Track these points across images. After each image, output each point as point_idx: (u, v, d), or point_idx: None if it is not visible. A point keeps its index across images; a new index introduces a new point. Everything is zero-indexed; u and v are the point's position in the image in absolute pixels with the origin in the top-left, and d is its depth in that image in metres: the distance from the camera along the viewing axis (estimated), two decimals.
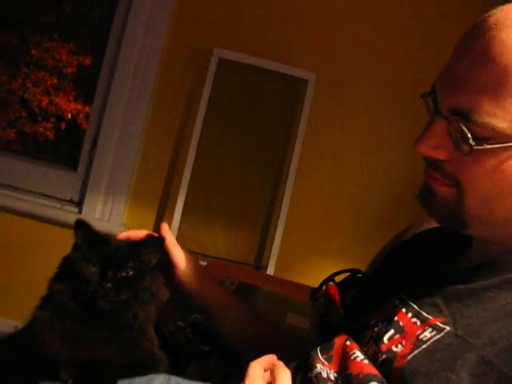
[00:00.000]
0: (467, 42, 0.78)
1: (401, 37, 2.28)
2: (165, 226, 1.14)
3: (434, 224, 1.02)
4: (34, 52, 2.78)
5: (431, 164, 0.82)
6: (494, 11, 0.78)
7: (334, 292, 1.63)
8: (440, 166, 0.81)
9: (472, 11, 0.85)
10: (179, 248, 1.14)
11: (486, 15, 0.78)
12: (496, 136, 0.74)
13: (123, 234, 1.10)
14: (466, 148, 0.76)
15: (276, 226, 2.22)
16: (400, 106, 2.24)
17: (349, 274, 1.74)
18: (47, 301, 1.00)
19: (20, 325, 1.05)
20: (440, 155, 0.80)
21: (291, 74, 2.23)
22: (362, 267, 1.27)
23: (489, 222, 0.81)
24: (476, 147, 0.75)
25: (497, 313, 0.75)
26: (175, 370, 1.04)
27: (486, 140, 0.75)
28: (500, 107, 0.73)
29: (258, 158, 2.31)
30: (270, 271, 2.19)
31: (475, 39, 0.76)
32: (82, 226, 1.02)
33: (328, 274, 1.73)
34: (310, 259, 2.28)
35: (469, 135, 0.75)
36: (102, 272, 0.97)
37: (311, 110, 2.24)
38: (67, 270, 0.99)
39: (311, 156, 2.28)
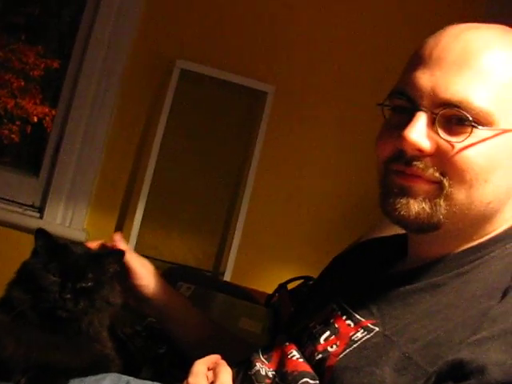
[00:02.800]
0: (440, 44, 0.83)
1: (360, 50, 2.34)
2: (118, 236, 1.18)
3: (382, 234, 1.08)
4: (0, 53, 2.76)
5: (410, 161, 0.83)
6: (452, 25, 0.86)
7: (286, 298, 1.68)
8: (422, 161, 0.82)
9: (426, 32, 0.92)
10: (135, 255, 1.18)
11: (446, 27, 0.86)
12: (486, 122, 0.79)
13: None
14: (458, 135, 0.80)
15: (234, 233, 2.26)
16: (358, 119, 2.30)
17: (302, 281, 1.78)
18: (4, 304, 1.02)
19: None
20: (429, 147, 0.81)
21: (251, 87, 2.28)
22: (316, 275, 1.32)
23: (465, 218, 0.83)
24: (481, 128, 0.79)
25: (420, 314, 0.81)
26: (129, 373, 1.08)
27: (479, 124, 0.79)
28: (488, 94, 0.79)
29: (218, 168, 2.34)
30: (227, 277, 2.23)
31: (452, 40, 0.83)
32: (42, 235, 1.04)
33: (283, 281, 1.77)
34: (267, 266, 2.31)
35: (470, 118, 0.79)
36: (61, 282, 0.98)
37: (270, 122, 2.28)
38: (26, 276, 1.01)
39: (269, 166, 2.32)
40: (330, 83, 2.35)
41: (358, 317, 0.87)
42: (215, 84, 2.30)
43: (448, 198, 0.81)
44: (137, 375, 1.07)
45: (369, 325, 0.85)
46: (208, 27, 2.34)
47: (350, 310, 0.90)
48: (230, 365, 0.92)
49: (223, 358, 0.95)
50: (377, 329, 0.83)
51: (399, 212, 0.83)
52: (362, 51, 2.34)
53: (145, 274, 1.18)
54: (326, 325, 0.90)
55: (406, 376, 0.75)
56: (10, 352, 0.97)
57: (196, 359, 0.93)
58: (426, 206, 0.82)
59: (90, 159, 2.33)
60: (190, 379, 0.87)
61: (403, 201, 0.83)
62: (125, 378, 1.02)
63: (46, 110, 2.71)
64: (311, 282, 1.74)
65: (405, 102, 0.85)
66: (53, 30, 2.79)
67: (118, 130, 2.35)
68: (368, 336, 0.83)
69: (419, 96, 0.83)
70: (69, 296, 0.98)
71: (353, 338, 0.84)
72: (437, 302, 0.82)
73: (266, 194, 2.34)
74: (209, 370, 0.91)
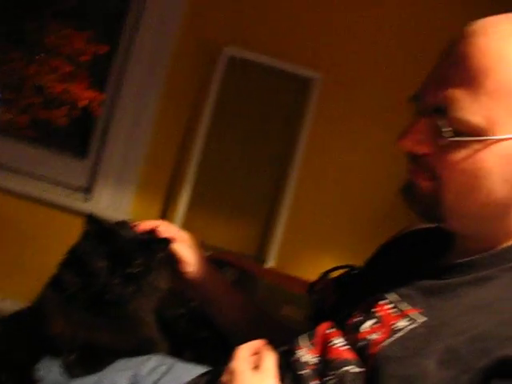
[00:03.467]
0: (450, 46, 0.84)
1: (408, 36, 2.30)
2: (162, 225, 1.18)
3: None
4: (50, 39, 2.80)
5: (413, 159, 0.87)
6: (474, 22, 0.84)
7: (330, 287, 1.67)
8: (421, 160, 0.86)
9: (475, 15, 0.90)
10: (184, 244, 1.19)
11: (466, 26, 0.84)
12: (470, 130, 0.79)
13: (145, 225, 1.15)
14: (442, 141, 0.81)
15: (278, 220, 2.26)
16: (407, 107, 2.27)
17: (346, 270, 1.77)
18: (55, 283, 1.05)
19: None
20: (421, 150, 0.85)
21: (298, 73, 2.27)
22: (360, 264, 1.31)
23: (463, 217, 0.85)
24: (451, 139, 0.80)
25: (466, 307, 0.80)
26: (172, 355, 1.09)
27: (461, 134, 0.80)
28: (475, 103, 0.79)
29: (264, 155, 2.34)
30: (270, 264, 2.24)
31: (456, 44, 0.83)
32: (92, 220, 1.06)
33: (326, 269, 1.76)
34: (310, 254, 2.31)
35: (443, 129, 0.80)
36: (110, 268, 1.01)
37: (317, 109, 2.27)
38: (76, 259, 1.03)
39: (316, 153, 2.31)
40: (378, 70, 2.32)
41: (402, 306, 0.86)
42: (262, 70, 2.29)
43: (441, 196, 0.84)
44: (179, 358, 1.09)
45: (413, 314, 0.83)
46: (256, 13, 2.33)
47: (395, 299, 0.89)
48: (273, 351, 0.92)
49: (266, 343, 0.95)
50: (421, 319, 0.82)
51: (407, 202, 0.90)
52: (411, 37, 2.30)
53: (193, 261, 1.18)
54: (370, 313, 0.90)
55: (450, 369, 0.74)
56: (59, 330, 0.99)
57: (239, 344, 0.93)
58: (425, 201, 0.87)
59: (137, 143, 2.35)
60: (234, 364, 0.87)
61: (409, 193, 0.89)
62: (169, 359, 1.04)
63: (94, 94, 2.75)
64: (355, 272, 1.73)
65: (416, 104, 0.88)
66: (101, 15, 2.82)
67: (164, 115, 2.36)
68: (412, 326, 0.82)
69: (422, 99, 0.86)
70: (117, 281, 1.00)
71: (395, 327, 0.83)
72: (485, 295, 0.80)
73: (312, 181, 2.32)
74: (252, 355, 0.91)
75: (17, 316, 1.06)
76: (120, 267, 1.01)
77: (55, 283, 1.05)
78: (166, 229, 1.17)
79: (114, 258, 1.02)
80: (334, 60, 2.32)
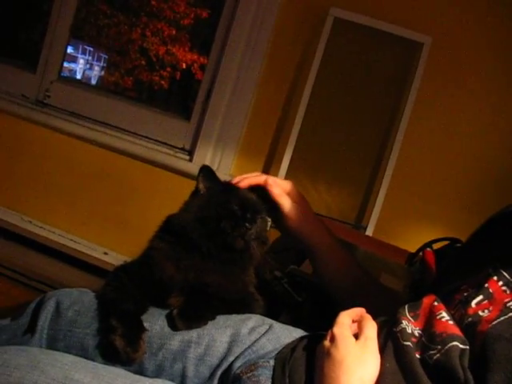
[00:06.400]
0: None
1: None
2: (270, 180, 1.21)
3: None
4: (153, 3, 2.85)
5: None
6: None
7: (431, 259, 1.63)
8: None
9: None
10: (287, 198, 1.20)
11: None
12: None
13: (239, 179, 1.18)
14: None
15: (379, 188, 2.22)
16: None
17: (448, 242, 1.72)
18: (164, 232, 1.10)
19: (129, 259, 1.15)
20: None
21: (406, 37, 2.19)
22: (462, 237, 1.26)
23: None
24: None
25: None
26: (268, 317, 1.10)
27: None
28: None
29: (367, 120, 2.30)
30: (369, 232, 2.21)
31: None
32: (207, 172, 1.12)
33: (426, 241, 1.72)
34: (410, 224, 2.26)
35: None
36: (242, 213, 1.06)
37: (424, 75, 2.19)
38: (196, 208, 1.08)
39: (421, 120, 2.24)
40: (491, 38, 2.20)
41: None
42: (369, 33, 2.23)
43: None
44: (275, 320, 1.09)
45: None
46: None
47: (508, 276, 0.85)
48: (374, 319, 0.91)
49: (367, 311, 0.94)
50: None
51: None
52: None
53: (296, 216, 1.19)
54: (479, 288, 0.86)
55: None
56: (170, 274, 1.04)
57: (338, 308, 0.93)
58: None
59: (239, 107, 2.37)
60: (335, 329, 0.87)
61: None
62: (268, 320, 1.05)
63: (194, 57, 2.79)
64: (458, 245, 1.68)
65: None
66: None
67: (268, 78, 2.36)
68: None
69: None
70: (248, 225, 1.05)
71: (508, 305, 0.80)
72: None
73: (416, 150, 2.26)
74: (353, 321, 0.91)
75: (125, 268, 1.10)
76: (250, 214, 1.06)
77: (164, 231, 1.10)
78: (272, 181, 1.20)
79: (243, 206, 1.07)
80: (444, 23, 2.23)
